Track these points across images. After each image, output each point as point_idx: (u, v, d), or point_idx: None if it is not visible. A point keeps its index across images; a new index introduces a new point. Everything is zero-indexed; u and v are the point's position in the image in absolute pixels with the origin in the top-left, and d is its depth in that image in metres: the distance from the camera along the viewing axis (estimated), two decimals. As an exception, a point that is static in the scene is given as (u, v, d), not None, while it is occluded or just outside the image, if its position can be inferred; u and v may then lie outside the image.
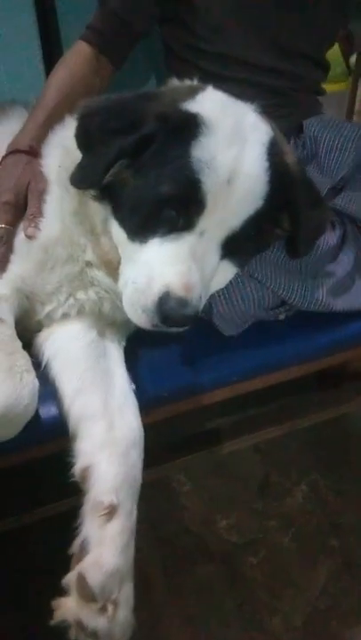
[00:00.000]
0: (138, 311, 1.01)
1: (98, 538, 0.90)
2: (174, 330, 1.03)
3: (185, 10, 1.45)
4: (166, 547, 1.79)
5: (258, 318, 1.28)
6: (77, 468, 0.99)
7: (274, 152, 1.05)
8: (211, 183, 0.97)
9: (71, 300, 1.17)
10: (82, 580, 0.86)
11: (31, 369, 1.03)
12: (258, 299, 1.22)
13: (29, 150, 1.23)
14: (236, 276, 1.17)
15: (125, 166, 1.03)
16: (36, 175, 1.20)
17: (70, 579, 0.88)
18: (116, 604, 0.86)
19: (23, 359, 1.03)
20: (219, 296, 1.20)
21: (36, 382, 1.02)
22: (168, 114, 1.01)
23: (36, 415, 1.05)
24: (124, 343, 1.22)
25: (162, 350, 1.25)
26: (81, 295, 1.17)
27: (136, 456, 1.01)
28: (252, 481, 2.03)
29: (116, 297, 1.15)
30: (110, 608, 0.86)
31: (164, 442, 1.63)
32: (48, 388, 1.10)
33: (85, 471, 0.98)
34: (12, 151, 1.24)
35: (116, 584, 0.87)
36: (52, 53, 1.66)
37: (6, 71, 1.62)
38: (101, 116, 1.05)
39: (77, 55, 1.43)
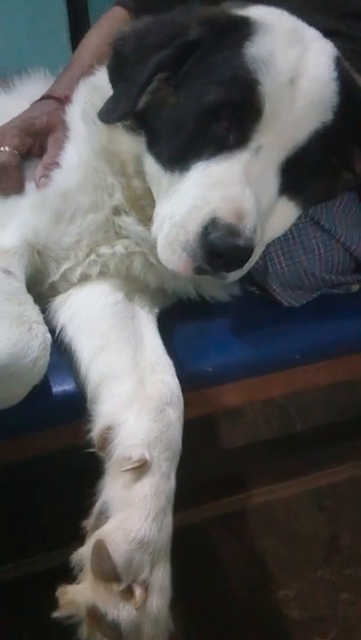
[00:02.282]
0: (177, 251, 0.91)
1: (123, 499, 0.77)
2: (223, 275, 0.93)
3: None
4: (206, 622, 1.56)
5: (326, 287, 1.15)
6: (96, 432, 0.86)
7: (341, 65, 0.98)
8: (270, 83, 0.89)
9: (93, 257, 1.08)
10: (100, 550, 0.70)
11: (42, 322, 0.93)
12: (325, 255, 1.10)
13: (62, 98, 1.21)
14: (298, 223, 1.06)
15: (164, 81, 0.98)
16: (60, 123, 1.17)
17: (83, 553, 0.72)
18: (146, 587, 0.70)
19: (34, 310, 0.94)
20: (276, 249, 1.08)
21: (49, 336, 0.92)
22: (214, 18, 0.97)
23: (45, 390, 0.94)
24: (157, 310, 1.11)
25: (205, 323, 1.13)
26: (105, 250, 1.08)
27: (174, 416, 0.87)
28: (317, 543, 1.80)
29: (150, 251, 1.06)
30: (138, 592, 0.70)
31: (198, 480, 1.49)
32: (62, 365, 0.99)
33: (107, 432, 0.85)
34: (45, 96, 1.23)
35: (148, 560, 0.72)
36: (78, 25, 1.70)
37: (31, 44, 1.66)
38: (138, 35, 1.02)
39: (113, 19, 1.46)
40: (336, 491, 1.86)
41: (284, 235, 1.06)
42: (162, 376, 0.93)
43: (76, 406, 0.93)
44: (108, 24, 1.45)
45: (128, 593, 0.70)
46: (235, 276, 0.96)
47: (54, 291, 1.10)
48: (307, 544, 1.79)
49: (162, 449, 0.82)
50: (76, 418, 0.93)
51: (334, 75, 0.95)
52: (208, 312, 1.14)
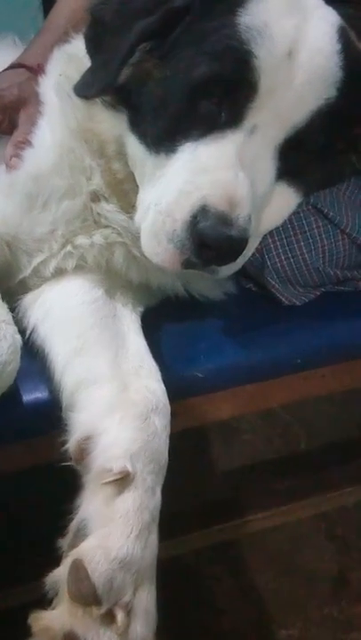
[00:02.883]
0: (162, 243, 0.94)
1: (103, 515, 0.79)
2: (214, 269, 0.96)
3: None
4: (198, 667, 1.59)
5: (331, 284, 1.19)
6: (73, 442, 0.89)
7: (346, 36, 1.01)
8: (265, 55, 0.92)
9: (68, 248, 1.11)
10: (78, 570, 0.73)
11: (11, 321, 0.97)
12: (329, 247, 1.14)
13: (34, 67, 1.23)
14: (299, 211, 1.10)
15: (149, 51, 1.00)
16: (32, 95, 1.19)
17: (59, 575, 0.75)
18: (129, 611, 0.73)
19: (1, 309, 0.97)
20: (274, 241, 1.12)
21: (18, 338, 0.95)
22: None
23: (14, 399, 0.97)
24: (141, 309, 1.14)
25: (194, 323, 1.17)
26: (82, 240, 1.11)
27: (160, 425, 0.90)
28: (323, 576, 1.84)
29: (133, 242, 1.09)
30: (120, 616, 0.72)
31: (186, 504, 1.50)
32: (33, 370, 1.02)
33: (85, 442, 0.88)
34: (15, 65, 1.25)
35: (130, 581, 0.75)
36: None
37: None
38: (118, 1, 1.04)
39: None
40: (345, 516, 1.89)
41: (283, 224, 1.09)
42: (146, 381, 0.95)
43: (50, 416, 0.96)
44: None
45: (109, 617, 0.72)
46: (227, 270, 1.00)
47: (24, 287, 1.13)
48: (312, 578, 1.82)
49: (146, 461, 0.85)
50: (49, 429, 0.95)
51: (338, 47, 0.98)
52: (198, 311, 1.17)
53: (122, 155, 1.07)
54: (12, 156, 1.13)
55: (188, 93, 0.96)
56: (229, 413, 1.18)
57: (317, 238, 1.13)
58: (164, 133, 0.99)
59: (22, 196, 1.10)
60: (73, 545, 0.78)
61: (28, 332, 1.07)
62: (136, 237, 1.06)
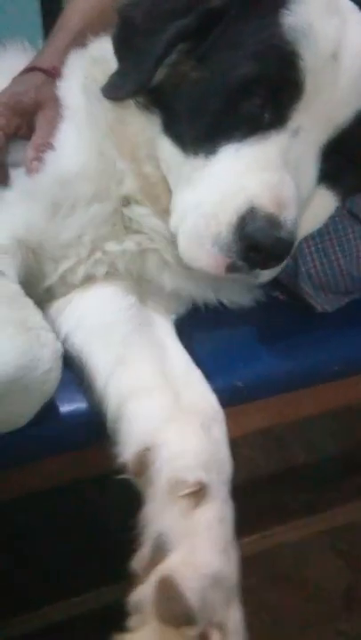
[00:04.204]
0: (206, 246, 0.93)
1: (184, 528, 0.76)
2: (257, 273, 0.96)
3: None
4: None
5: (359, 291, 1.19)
6: (130, 454, 0.86)
7: None
8: (311, 56, 0.93)
9: (98, 255, 1.09)
10: (168, 589, 0.70)
11: (50, 328, 0.94)
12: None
13: (50, 70, 1.21)
14: (335, 216, 1.10)
15: (185, 54, 1.00)
16: (50, 99, 1.17)
17: (143, 595, 0.71)
18: (223, 630, 0.69)
19: (37, 316, 0.94)
20: (309, 245, 1.12)
21: (60, 345, 0.92)
22: None
23: (51, 409, 0.94)
24: (173, 317, 1.13)
25: (226, 331, 1.16)
26: (112, 247, 1.09)
27: (220, 434, 0.88)
28: (334, 593, 1.83)
29: (166, 248, 1.07)
30: (216, 636, 0.68)
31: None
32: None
33: (145, 454, 0.85)
34: (30, 68, 1.23)
35: (222, 599, 0.71)
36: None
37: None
38: (150, 2, 1.04)
39: None
40: (353, 531, 1.88)
41: (319, 229, 1.09)
42: (198, 390, 0.94)
43: (90, 427, 0.95)
44: None
45: (202, 639, 0.69)
46: (269, 275, 0.99)
47: (51, 295, 1.11)
48: (320, 594, 1.81)
49: (217, 471, 0.83)
50: (92, 441, 0.94)
51: None
52: (227, 319, 1.16)
53: (153, 158, 1.06)
54: (33, 159, 1.10)
55: (230, 94, 0.96)
56: (264, 424, 1.16)
57: (353, 244, 1.13)
58: (203, 135, 0.98)
59: (47, 200, 1.07)
60: (154, 562, 0.75)
61: (60, 341, 1.03)
62: (169, 242, 1.05)
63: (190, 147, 0.99)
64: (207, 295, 1.13)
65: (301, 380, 1.12)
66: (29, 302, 0.96)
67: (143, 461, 0.85)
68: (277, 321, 1.18)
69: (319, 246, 1.12)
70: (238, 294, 1.15)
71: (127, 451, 0.86)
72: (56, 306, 1.09)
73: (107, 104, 1.08)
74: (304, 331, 1.15)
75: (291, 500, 1.93)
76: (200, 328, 1.14)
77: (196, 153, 0.98)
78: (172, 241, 1.03)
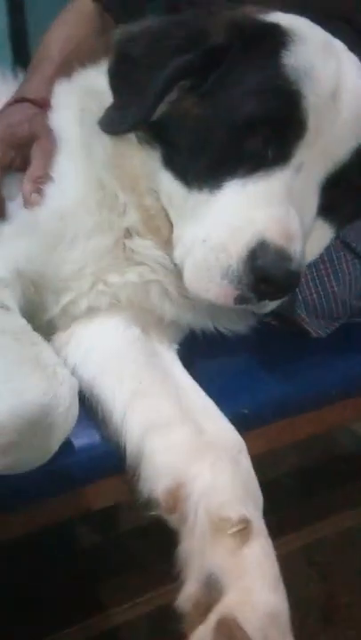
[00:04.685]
0: (215, 279, 0.96)
1: (234, 567, 0.77)
2: (264, 304, 0.99)
3: None
4: None
5: (350, 315, 1.24)
6: (162, 490, 0.87)
7: None
8: (313, 96, 0.97)
9: (100, 286, 1.10)
10: (230, 629, 0.71)
11: (63, 364, 0.95)
12: (355, 280, 1.19)
13: (40, 101, 1.21)
14: (329, 246, 1.15)
15: (187, 90, 1.02)
16: (43, 130, 1.17)
17: (202, 636, 0.72)
18: None
19: (49, 351, 0.95)
20: (306, 275, 1.16)
21: (75, 381, 0.93)
22: (243, 23, 1.03)
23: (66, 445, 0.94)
24: (176, 347, 1.14)
25: (226, 360, 1.18)
26: (115, 278, 1.10)
27: (248, 466, 0.92)
28: (312, 605, 1.85)
29: (168, 278, 1.09)
30: None
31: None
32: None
33: (178, 490, 0.85)
34: (19, 99, 1.23)
35: (280, 635, 0.73)
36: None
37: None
38: (149, 37, 1.06)
39: (79, 13, 1.49)
40: (325, 544, 1.91)
41: (315, 260, 1.13)
42: (219, 422, 0.97)
43: (103, 462, 0.97)
44: (75, 17, 1.48)
45: None
46: (274, 304, 1.02)
47: (52, 327, 1.11)
48: (301, 606, 1.85)
49: (254, 505, 0.85)
50: (101, 476, 0.97)
51: None
52: (225, 348, 1.18)
53: (153, 191, 1.08)
54: (31, 191, 1.10)
55: (235, 132, 0.98)
56: (262, 449, 1.19)
57: (346, 272, 1.17)
58: (207, 170, 1.00)
59: (47, 233, 1.07)
60: (209, 601, 0.76)
61: None
62: (171, 274, 1.07)
63: (193, 181, 1.01)
64: (205, 324, 1.16)
65: (302, 404, 1.16)
66: (38, 337, 0.97)
67: (176, 497, 0.86)
68: (273, 347, 1.21)
69: (315, 275, 1.17)
70: (234, 322, 1.18)
71: (157, 486, 0.87)
72: (59, 338, 1.10)
73: (105, 136, 1.09)
74: (301, 356, 1.20)
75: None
76: (200, 357, 1.16)
77: (200, 187, 1.00)
78: (175, 272, 1.06)
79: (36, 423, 0.83)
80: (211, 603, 0.76)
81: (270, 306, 1.02)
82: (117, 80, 1.07)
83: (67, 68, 1.30)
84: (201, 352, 1.17)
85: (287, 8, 1.43)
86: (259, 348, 1.19)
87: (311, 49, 1.01)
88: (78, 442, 0.97)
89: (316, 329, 1.19)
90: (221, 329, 1.18)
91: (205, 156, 1.00)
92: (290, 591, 1.73)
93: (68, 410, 0.87)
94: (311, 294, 1.17)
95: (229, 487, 0.85)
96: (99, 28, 1.49)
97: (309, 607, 1.84)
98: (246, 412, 1.07)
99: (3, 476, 0.85)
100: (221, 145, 0.99)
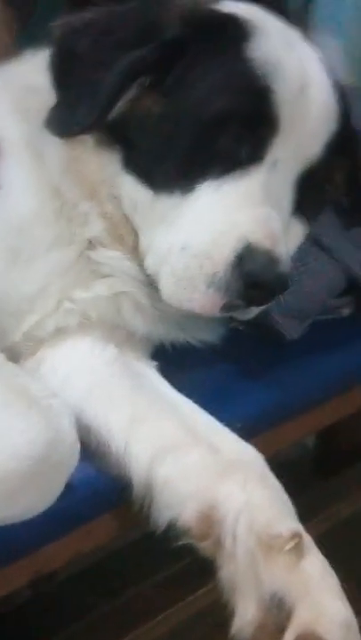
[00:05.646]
0: (199, 288, 0.93)
1: (298, 583, 0.78)
2: (250, 310, 0.98)
3: None
4: None
5: (318, 313, 1.22)
6: (191, 515, 0.84)
7: (328, 68, 1.07)
8: (283, 91, 0.95)
9: (67, 304, 1.02)
10: None
11: (55, 394, 0.90)
12: (328, 277, 1.18)
13: None
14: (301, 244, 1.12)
15: (147, 87, 0.98)
16: None
17: None
18: None
19: (37, 383, 0.90)
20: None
21: (70, 411, 0.89)
22: (198, 15, 1.00)
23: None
24: (154, 362, 1.09)
25: (205, 372, 1.14)
26: (81, 294, 1.03)
27: (275, 480, 0.90)
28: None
29: (140, 290, 1.04)
30: None
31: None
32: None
33: (209, 515, 0.83)
34: None
35: None
36: None
37: None
38: (95, 30, 1.01)
39: None
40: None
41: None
42: (230, 437, 0.95)
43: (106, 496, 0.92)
44: None
45: None
46: (258, 310, 1.00)
47: (14, 353, 1.01)
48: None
49: (292, 517, 0.84)
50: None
51: (331, 80, 1.04)
52: (196, 360, 1.13)
53: (114, 197, 1.02)
54: None
55: (204, 130, 0.95)
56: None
57: (319, 269, 1.16)
58: (176, 172, 0.97)
59: (1, 251, 0.99)
60: (279, 622, 0.76)
61: None
62: (142, 285, 1.02)
63: (161, 184, 0.97)
64: (176, 335, 1.11)
65: (289, 410, 1.14)
66: (16, 367, 0.92)
67: (208, 521, 0.83)
68: (245, 353, 1.18)
69: None
70: (205, 331, 1.14)
71: (183, 512, 0.84)
72: (28, 365, 1.02)
73: (56, 139, 1.01)
74: (278, 360, 1.17)
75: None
76: (175, 372, 1.10)
77: (168, 191, 0.97)
78: (146, 282, 1.01)
79: (44, 461, 0.79)
80: (281, 622, 0.76)
81: (255, 311, 0.99)
82: (61, 77, 1.01)
83: None
84: (175, 366, 1.11)
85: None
86: (232, 356, 1.15)
87: (274, 41, 0.99)
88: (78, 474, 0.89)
89: (290, 330, 1.16)
90: (191, 340, 1.12)
91: (173, 157, 0.97)
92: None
93: (73, 444, 0.84)
94: (285, 295, 1.13)
95: (268, 503, 0.84)
96: (3, 23, 1.46)
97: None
98: (239, 425, 1.01)
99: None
100: (191, 144, 0.96)
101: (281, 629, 0.75)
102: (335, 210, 1.20)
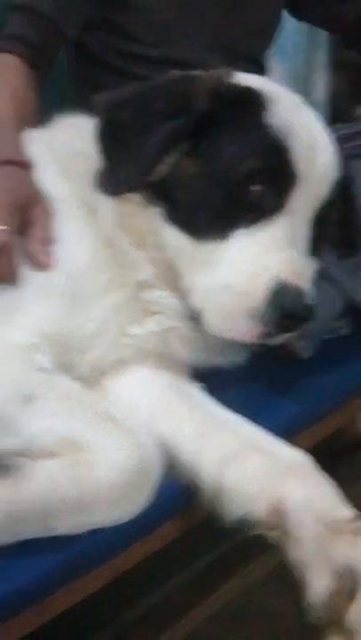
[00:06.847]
0: (240, 319, 1.10)
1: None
2: (281, 337, 1.14)
3: (119, 11, 1.72)
4: None
5: (323, 333, 1.42)
6: (263, 508, 1.01)
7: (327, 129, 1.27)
8: (298, 150, 1.14)
9: (124, 340, 1.18)
10: None
11: (133, 417, 1.08)
12: (331, 302, 1.38)
13: (21, 162, 1.23)
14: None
15: (185, 152, 1.16)
16: (36, 192, 1.21)
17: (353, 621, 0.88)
18: None
19: (113, 405, 1.08)
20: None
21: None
22: (222, 89, 1.19)
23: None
24: (200, 385, 1.25)
25: (231, 391, 1.27)
26: (136, 330, 1.19)
27: (326, 478, 1.07)
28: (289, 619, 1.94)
29: (185, 323, 1.20)
30: None
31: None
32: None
33: (278, 508, 1.00)
34: (3, 162, 1.23)
35: None
36: None
37: None
38: (138, 103, 1.19)
39: (8, 68, 1.53)
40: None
41: None
42: (281, 445, 1.11)
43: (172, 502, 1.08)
44: (7, 74, 1.52)
45: None
46: (288, 336, 1.17)
47: (82, 383, 1.14)
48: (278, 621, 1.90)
49: (348, 506, 1.02)
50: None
51: (329, 136, 1.24)
52: (219, 380, 1.28)
53: (160, 245, 1.18)
54: (40, 253, 1.14)
55: (234, 187, 1.13)
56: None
57: (326, 296, 1.36)
58: (212, 224, 1.14)
59: (64, 294, 1.14)
60: (352, 586, 0.92)
61: None
62: (188, 319, 1.19)
63: (199, 234, 1.14)
64: (217, 360, 1.27)
65: (302, 422, 1.33)
66: (94, 394, 1.08)
67: (277, 514, 1.00)
68: (263, 372, 1.34)
69: None
70: (235, 355, 1.29)
71: (255, 508, 1.01)
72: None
73: (105, 198, 1.18)
74: (292, 377, 1.37)
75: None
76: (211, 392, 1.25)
77: (206, 239, 1.13)
78: (191, 318, 1.18)
79: (138, 474, 0.97)
80: (353, 587, 0.91)
81: (285, 338, 1.16)
82: (108, 144, 1.17)
83: (21, 124, 1.36)
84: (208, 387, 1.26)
85: (200, 49, 1.66)
86: (252, 374, 1.31)
87: (285, 108, 1.18)
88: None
89: (302, 351, 1.36)
90: (224, 363, 1.29)
91: (209, 211, 1.14)
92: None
93: (157, 457, 1.03)
94: None
95: (327, 495, 1.02)
96: (27, 81, 1.54)
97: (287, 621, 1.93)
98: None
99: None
100: (223, 199, 1.13)
101: (353, 593, 0.91)
102: (331, 243, 1.39)
